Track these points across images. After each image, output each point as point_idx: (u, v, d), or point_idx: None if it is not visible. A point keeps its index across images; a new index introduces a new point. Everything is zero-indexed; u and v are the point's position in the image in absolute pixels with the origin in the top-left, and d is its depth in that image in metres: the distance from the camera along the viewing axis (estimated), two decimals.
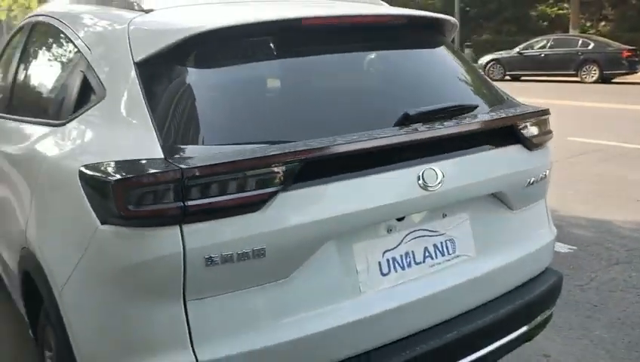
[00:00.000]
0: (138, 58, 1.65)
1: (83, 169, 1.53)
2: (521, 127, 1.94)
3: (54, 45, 2.30)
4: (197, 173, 1.38)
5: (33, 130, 2.11)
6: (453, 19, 2.18)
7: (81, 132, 1.76)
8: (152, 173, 1.38)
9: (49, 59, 2.37)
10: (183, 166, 1.38)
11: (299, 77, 1.80)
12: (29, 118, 2.25)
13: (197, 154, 1.45)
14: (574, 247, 4.14)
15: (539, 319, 2.07)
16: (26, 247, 1.93)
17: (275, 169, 1.44)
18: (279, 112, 1.69)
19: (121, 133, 1.59)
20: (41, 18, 2.50)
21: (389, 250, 1.70)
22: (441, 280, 1.77)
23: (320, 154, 1.49)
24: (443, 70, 2.11)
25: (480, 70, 19.33)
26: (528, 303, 1.99)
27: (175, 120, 1.53)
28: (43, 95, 2.34)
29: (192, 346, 1.44)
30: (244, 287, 1.48)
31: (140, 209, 1.38)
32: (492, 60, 19.76)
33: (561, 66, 17.62)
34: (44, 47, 2.47)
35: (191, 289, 1.43)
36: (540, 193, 2.10)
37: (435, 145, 1.71)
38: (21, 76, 2.63)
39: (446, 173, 1.70)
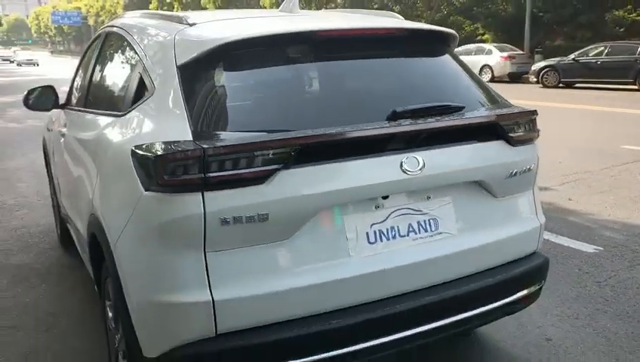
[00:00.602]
0: (180, 62, 2.08)
1: (134, 148, 1.96)
2: (503, 125, 2.23)
3: (121, 52, 2.79)
4: (215, 152, 1.78)
5: (102, 120, 2.60)
6: (453, 31, 2.48)
7: (136, 121, 2.21)
8: (181, 151, 1.80)
9: (116, 63, 2.87)
10: (205, 146, 1.79)
11: (306, 79, 2.20)
12: (99, 111, 2.75)
13: (217, 137, 1.86)
14: (600, 248, 4.28)
15: (519, 295, 2.33)
16: (93, 213, 2.41)
17: (277, 151, 1.82)
18: (289, 108, 2.07)
19: (164, 121, 2.02)
20: (113, 29, 3.00)
21: (376, 223, 2.04)
22: (423, 252, 2.09)
23: (314, 141, 1.87)
24: (441, 75, 2.43)
25: (533, 77, 19.21)
26: (508, 280, 2.27)
27: (203, 111, 1.95)
28: (110, 92, 2.84)
29: (209, 288, 1.84)
30: (253, 244, 1.87)
31: (172, 178, 1.80)
32: (546, 67, 19.54)
33: (618, 74, 17.29)
34: (113, 53, 2.98)
35: (210, 243, 1.83)
36: (525, 184, 2.37)
37: (418, 137, 2.04)
38: (95, 76, 3.17)
39: (427, 162, 2.02)
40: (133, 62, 2.52)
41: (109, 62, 3.03)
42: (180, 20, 2.36)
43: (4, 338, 3.13)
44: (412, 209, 2.10)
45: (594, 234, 4.59)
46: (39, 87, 3.61)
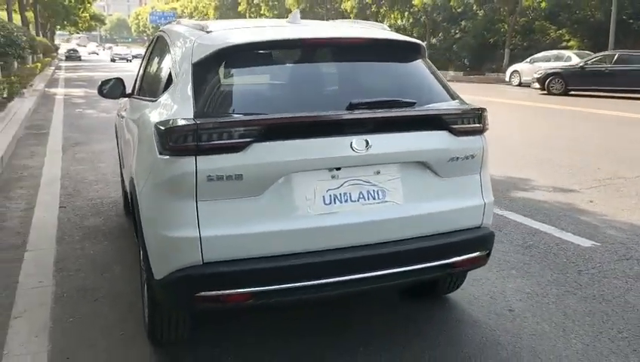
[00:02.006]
0: (194, 61, 2.75)
1: (156, 124, 2.65)
2: (446, 118, 2.73)
3: (162, 52, 3.53)
4: (206, 127, 2.42)
5: (144, 105, 3.33)
6: (420, 42, 3.00)
7: (162, 104, 2.90)
8: (182, 125, 2.46)
9: (159, 60, 3.62)
10: (199, 122, 2.44)
11: (286, 75, 2.82)
12: (145, 97, 3.50)
13: (210, 116, 2.51)
14: (598, 244, 4.57)
15: (458, 259, 2.80)
16: (132, 176, 3.14)
17: (252, 128, 2.44)
18: (269, 97, 2.71)
19: (179, 104, 2.69)
20: (162, 34, 3.75)
21: (332, 189, 2.61)
22: (370, 215, 2.63)
23: (280, 122, 2.47)
24: (406, 77, 2.95)
25: (536, 83, 19.47)
26: (446, 245, 2.75)
27: (204, 97, 2.60)
28: (153, 82, 3.58)
29: (198, 227, 2.48)
30: (231, 197, 2.49)
31: (176, 145, 2.46)
32: (552, 74, 19.31)
33: (629, 82, 17.13)
34: (158, 53, 3.72)
35: (200, 194, 2.46)
36: (469, 169, 2.84)
37: (366, 123, 2.59)
38: (147, 71, 3.95)
39: (373, 143, 2.57)
40: (168, 59, 3.23)
41: (156, 60, 3.78)
42: (202, 28, 3.04)
43: (68, 278, 3.96)
44: (363, 180, 2.65)
45: (597, 232, 4.87)
46: (111, 79, 4.44)
